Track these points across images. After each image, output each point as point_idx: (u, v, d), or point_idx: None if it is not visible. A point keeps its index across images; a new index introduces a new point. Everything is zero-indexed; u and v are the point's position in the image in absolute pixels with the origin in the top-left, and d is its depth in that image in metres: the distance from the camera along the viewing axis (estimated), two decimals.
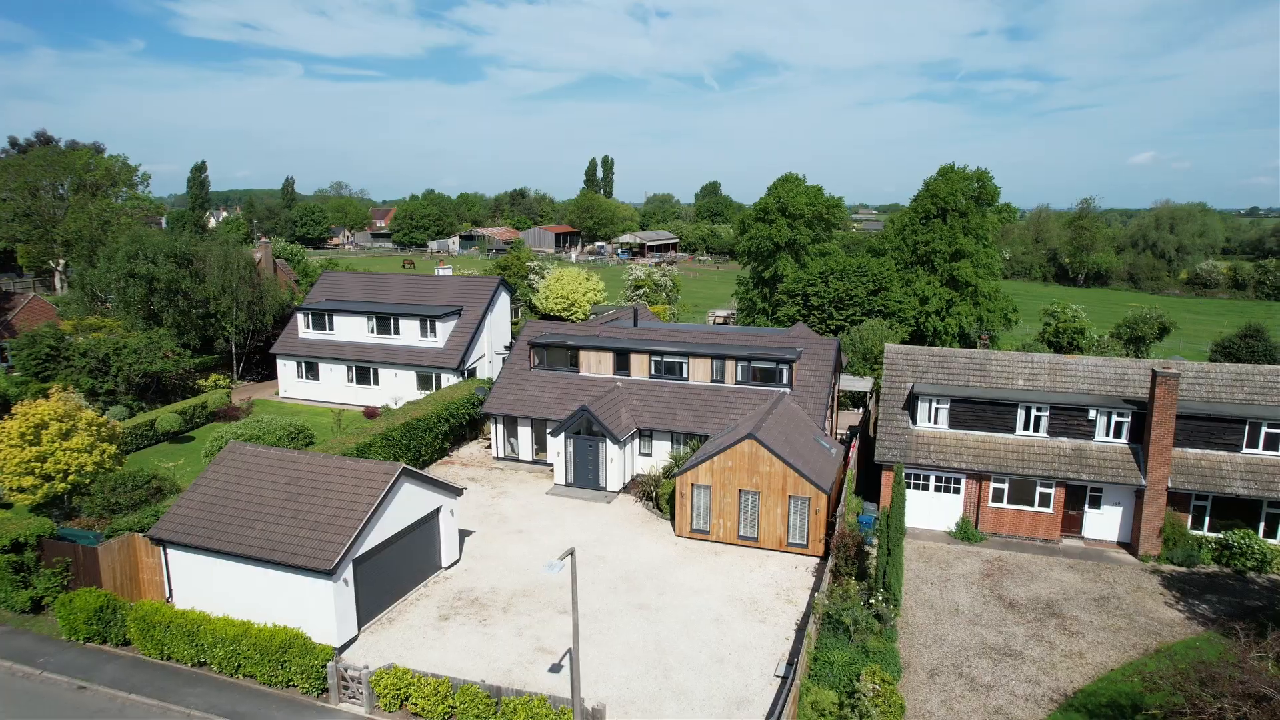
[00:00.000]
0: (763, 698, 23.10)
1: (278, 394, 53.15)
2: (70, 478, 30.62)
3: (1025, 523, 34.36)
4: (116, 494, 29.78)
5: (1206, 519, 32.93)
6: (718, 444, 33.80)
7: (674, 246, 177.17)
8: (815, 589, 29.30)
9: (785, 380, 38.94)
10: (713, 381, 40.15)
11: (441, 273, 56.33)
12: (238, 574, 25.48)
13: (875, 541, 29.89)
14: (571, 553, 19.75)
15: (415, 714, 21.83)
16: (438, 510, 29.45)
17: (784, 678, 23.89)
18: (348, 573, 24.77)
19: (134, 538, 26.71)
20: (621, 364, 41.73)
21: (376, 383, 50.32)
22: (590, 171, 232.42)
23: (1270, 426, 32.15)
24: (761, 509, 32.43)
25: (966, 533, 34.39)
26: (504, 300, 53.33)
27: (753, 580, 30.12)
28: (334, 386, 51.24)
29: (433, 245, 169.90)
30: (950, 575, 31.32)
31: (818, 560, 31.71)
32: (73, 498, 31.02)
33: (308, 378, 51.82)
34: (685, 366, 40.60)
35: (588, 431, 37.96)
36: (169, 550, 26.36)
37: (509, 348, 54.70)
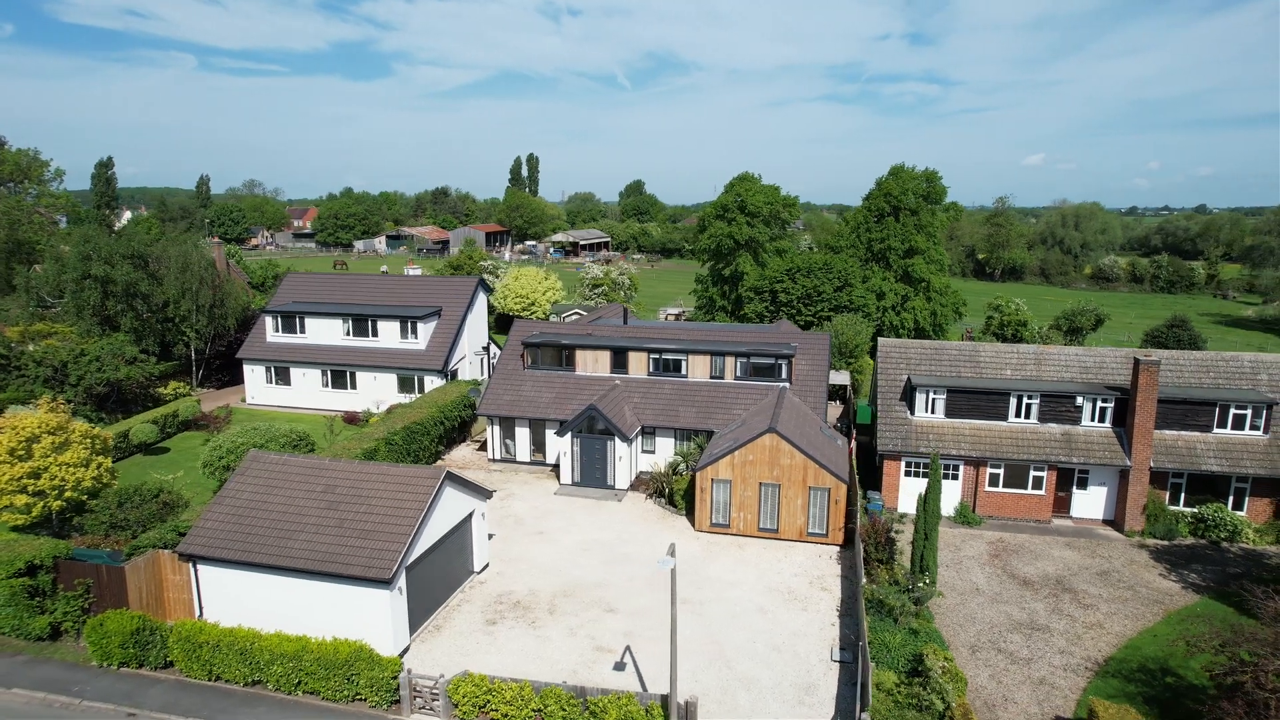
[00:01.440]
0: (826, 682, 23.78)
1: (244, 400, 50.80)
2: (67, 494, 28.69)
3: (1019, 505, 36.27)
4: (124, 510, 28.05)
5: (1182, 495, 35.53)
6: (735, 438, 34.37)
7: (605, 245, 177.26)
8: (845, 576, 30.29)
9: (784, 375, 39.84)
10: (712, 378, 40.70)
11: (411, 273, 54.91)
12: (279, 587, 24.51)
13: (897, 529, 31.04)
14: (672, 548, 19.91)
15: None
16: (470, 514, 29.00)
17: (843, 661, 24.66)
18: (401, 581, 24.17)
19: (159, 555, 25.28)
20: (619, 362, 41.84)
21: (354, 386, 48.76)
22: (515, 170, 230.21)
23: (1237, 408, 34.95)
24: (782, 500, 33.18)
25: (966, 516, 36.04)
26: (482, 300, 52.52)
27: (783, 570, 30.82)
28: (307, 391, 49.37)
29: (359, 245, 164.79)
30: (961, 557, 32.80)
31: (838, 549, 32.69)
32: (72, 516, 29.03)
33: (278, 383, 49.73)
34: (684, 363, 41.01)
35: (595, 430, 37.92)
36: (199, 566, 25.10)
37: (487, 348, 53.96)
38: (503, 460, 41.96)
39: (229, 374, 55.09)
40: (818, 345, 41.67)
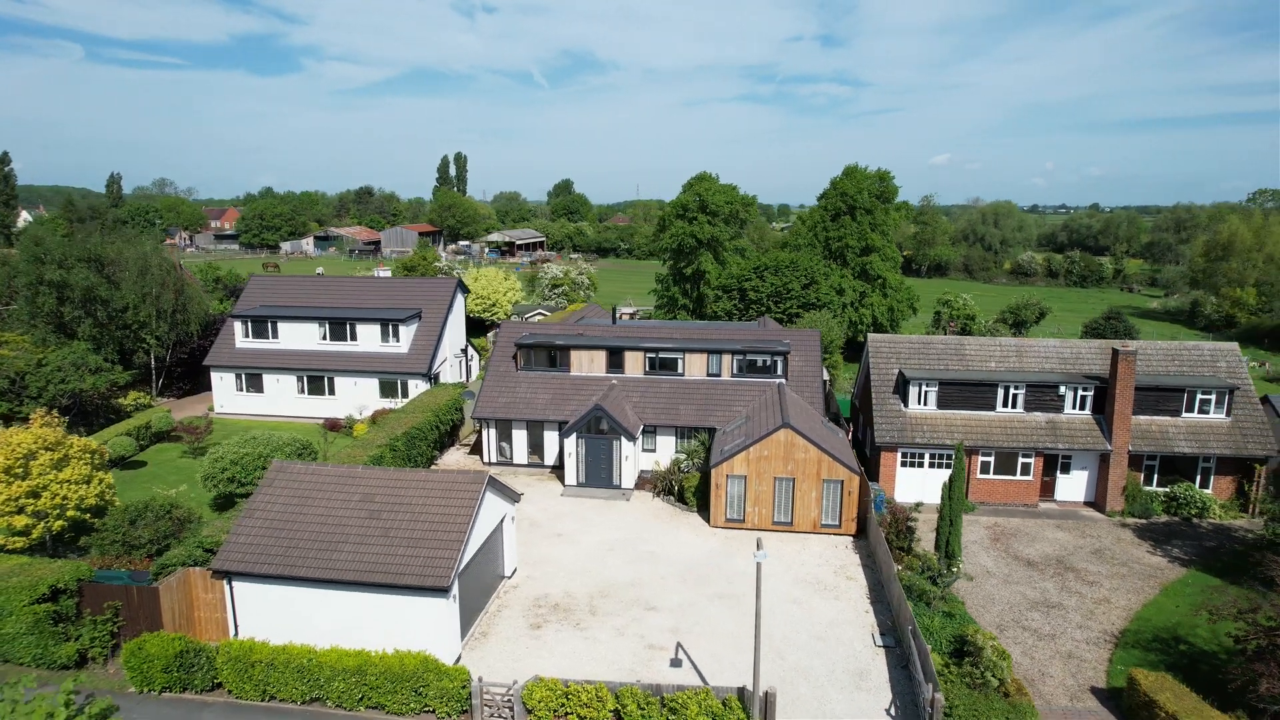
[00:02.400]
0: (877, 667, 24.58)
1: (211, 409, 48.47)
2: (69, 513, 27.01)
3: (1009, 490, 38.08)
4: (137, 528, 26.57)
5: (1155, 476, 37.99)
6: (747, 435, 34.96)
7: (541, 245, 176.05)
8: (865, 564, 31.27)
9: (780, 371, 40.69)
10: (709, 375, 41.22)
11: (381, 274, 53.49)
12: (323, 601, 23.79)
13: (913, 517, 32.22)
14: (759, 543, 20.25)
15: None
16: (503, 518, 28.70)
17: (886, 646, 25.52)
18: (456, 588, 23.78)
19: (190, 573, 24.13)
20: (615, 362, 41.91)
21: (332, 392, 47.21)
22: (443, 169, 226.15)
23: (1203, 393, 37.61)
24: (796, 494, 33.97)
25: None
26: (461, 302, 51.62)
27: (805, 561, 31.57)
28: (282, 398, 47.50)
29: (286, 247, 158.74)
30: (966, 543, 34.16)
31: (852, 539, 33.69)
32: (74, 537, 27.33)
33: (249, 390, 47.68)
34: (681, 362, 41.37)
35: (600, 430, 37.92)
36: (235, 583, 24.08)
37: (465, 350, 53.09)
38: (499, 463, 41.47)
39: (190, 382, 52.53)
40: (810, 341, 42.68)
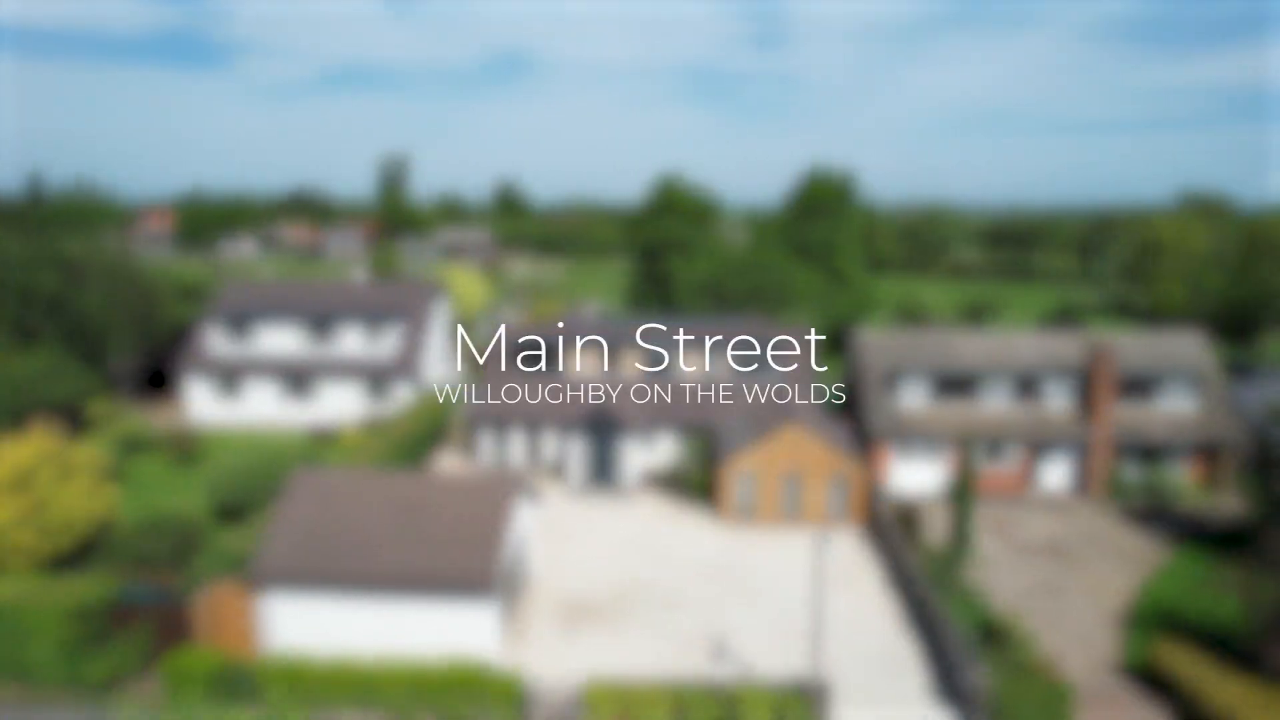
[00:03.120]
0: (908, 652, 25.39)
1: (183, 417, 46.62)
2: (77, 529, 25.85)
3: (997, 480, 39.56)
4: (158, 541, 25.58)
5: (1131, 463, 39.94)
6: (754, 431, 35.52)
7: (492, 245, 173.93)
8: (875, 555, 32.14)
9: (779, 367, 41.35)
10: (707, 372, 41.65)
11: (356, 277, 52.33)
12: (361, 606, 23.45)
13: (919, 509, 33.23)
14: (824, 538, 20.70)
15: None
16: (527, 519, 28.60)
17: (911, 632, 26.33)
18: (496, 589, 23.64)
19: (221, 585, 23.38)
20: (612, 360, 41.99)
21: (316, 397, 46.00)
22: (385, 169, 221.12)
23: (1175, 383, 39.73)
24: (804, 488, 34.69)
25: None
26: (443, 304, 50.89)
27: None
28: (262, 404, 46.02)
29: (227, 249, 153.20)
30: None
31: (859, 530, 34.56)
32: (82, 553, 26.16)
33: (227, 397, 46.09)
34: (678, 359, 41.67)
35: (602, 429, 37.98)
36: (269, 593, 23.45)
37: (448, 352, 52.36)
38: (497, 465, 41.11)
39: (159, 389, 50.43)
40: (803, 337, 43.42)
